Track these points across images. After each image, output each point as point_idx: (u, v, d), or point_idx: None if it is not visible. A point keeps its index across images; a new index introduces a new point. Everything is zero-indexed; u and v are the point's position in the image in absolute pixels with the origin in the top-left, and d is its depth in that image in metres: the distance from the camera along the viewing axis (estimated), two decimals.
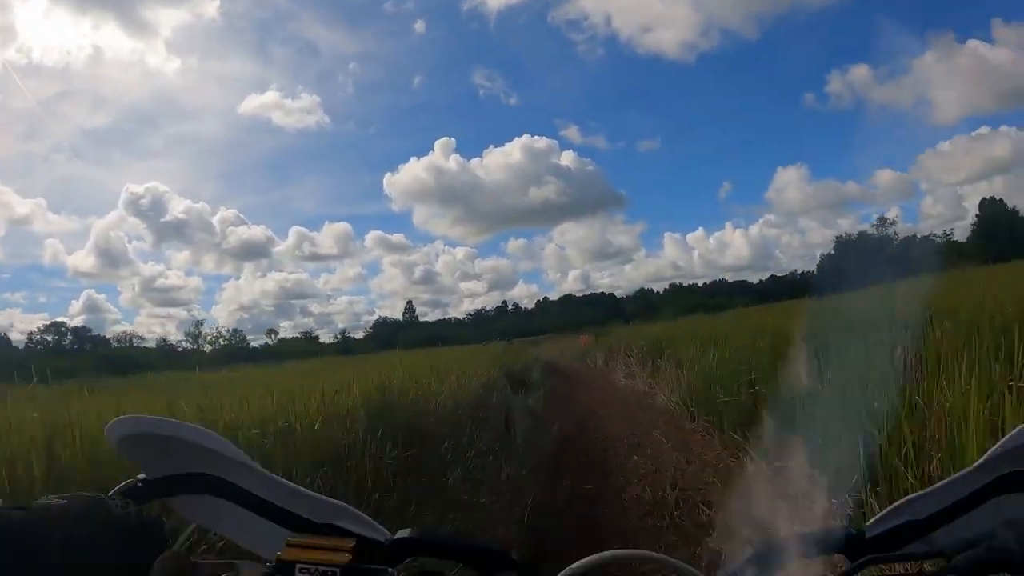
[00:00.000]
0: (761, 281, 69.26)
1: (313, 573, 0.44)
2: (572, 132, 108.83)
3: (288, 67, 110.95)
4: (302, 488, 0.51)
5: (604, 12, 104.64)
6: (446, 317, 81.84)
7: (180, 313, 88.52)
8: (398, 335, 60.47)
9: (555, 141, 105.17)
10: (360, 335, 71.39)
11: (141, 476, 0.51)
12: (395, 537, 0.50)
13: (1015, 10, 76.20)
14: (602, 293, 74.08)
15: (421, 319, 75.93)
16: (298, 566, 0.44)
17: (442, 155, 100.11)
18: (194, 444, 0.50)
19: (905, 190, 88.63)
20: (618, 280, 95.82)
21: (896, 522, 0.51)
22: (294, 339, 62.94)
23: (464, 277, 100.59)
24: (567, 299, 70.62)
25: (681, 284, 74.12)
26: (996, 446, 0.51)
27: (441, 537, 0.52)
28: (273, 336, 66.24)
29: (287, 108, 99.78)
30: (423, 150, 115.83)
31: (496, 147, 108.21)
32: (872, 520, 0.51)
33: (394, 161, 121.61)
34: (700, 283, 74.12)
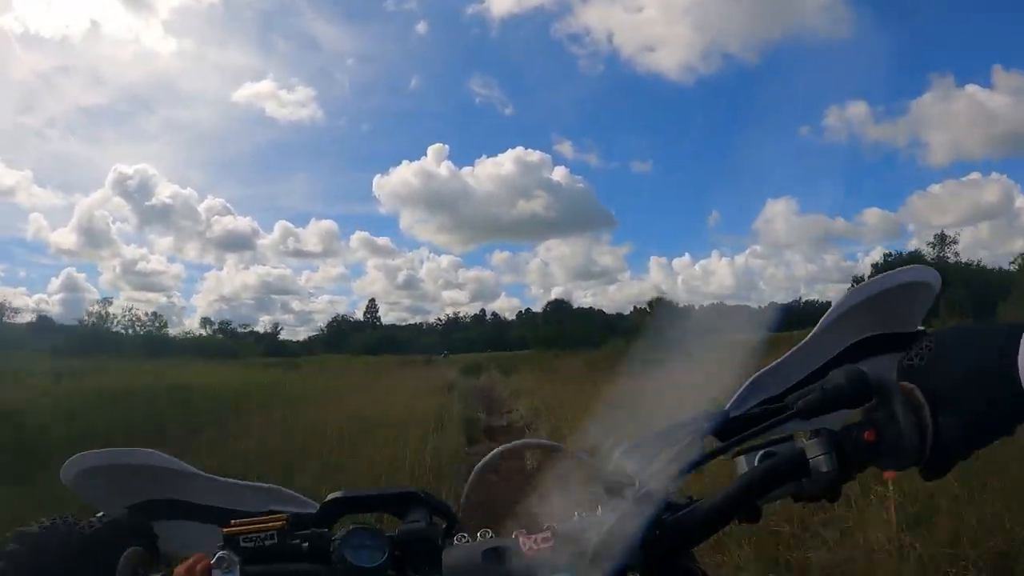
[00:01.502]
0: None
1: (256, 540, 0.51)
2: (566, 147, 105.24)
3: (286, 58, 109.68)
4: (239, 481, 0.61)
5: (607, 29, 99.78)
6: (414, 322, 78.09)
7: (159, 299, 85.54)
8: (348, 337, 57.32)
9: (548, 155, 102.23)
10: (307, 334, 68.21)
11: (99, 514, 0.57)
12: (324, 501, 0.58)
13: (1017, 57, 76.63)
14: (589, 308, 69.26)
15: (384, 321, 72.15)
16: (241, 538, 0.51)
17: (434, 161, 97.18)
18: (145, 467, 0.58)
19: (892, 230, 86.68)
20: (601, 300, 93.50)
21: (755, 400, 0.58)
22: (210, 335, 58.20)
23: (447, 285, 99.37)
24: (558, 307, 66.29)
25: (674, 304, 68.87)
26: (831, 310, 0.57)
27: (361, 492, 0.60)
28: (208, 327, 61.50)
29: (282, 99, 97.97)
30: (415, 154, 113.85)
31: (488, 157, 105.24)
32: (732, 400, 0.58)
33: (385, 163, 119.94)
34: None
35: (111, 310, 47.50)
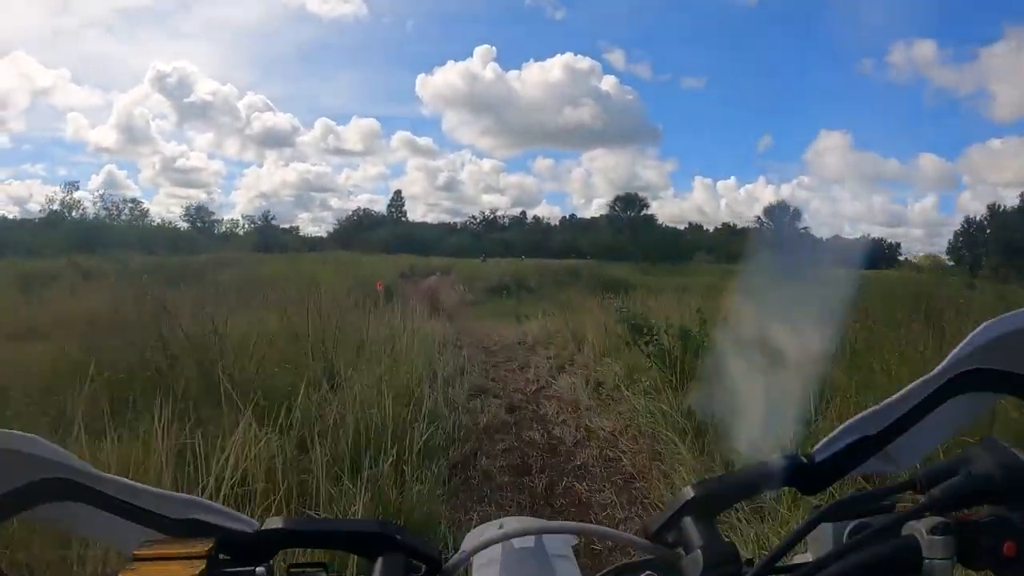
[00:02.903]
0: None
1: None
2: (617, 57, 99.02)
3: None
4: (152, 488, 0.49)
5: None
6: (447, 220, 70.58)
7: (199, 195, 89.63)
8: (363, 235, 49.60)
9: (598, 63, 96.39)
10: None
11: None
12: (262, 528, 0.46)
13: None
14: (651, 216, 61.94)
15: (415, 219, 64.48)
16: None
17: (480, 63, 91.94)
18: (35, 455, 0.47)
19: (946, 179, 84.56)
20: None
21: (846, 441, 0.49)
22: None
23: (488, 189, 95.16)
24: (629, 202, 60.28)
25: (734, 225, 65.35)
26: (959, 346, 0.48)
27: (315, 524, 0.50)
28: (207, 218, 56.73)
29: None
30: (461, 55, 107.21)
31: (536, 61, 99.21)
32: (820, 443, 0.49)
33: (429, 63, 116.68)
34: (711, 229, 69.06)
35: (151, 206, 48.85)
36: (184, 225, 50.70)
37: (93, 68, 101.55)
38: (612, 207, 61.09)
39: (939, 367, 0.48)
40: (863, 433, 0.48)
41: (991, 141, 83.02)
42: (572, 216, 71.90)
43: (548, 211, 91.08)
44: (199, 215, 54.02)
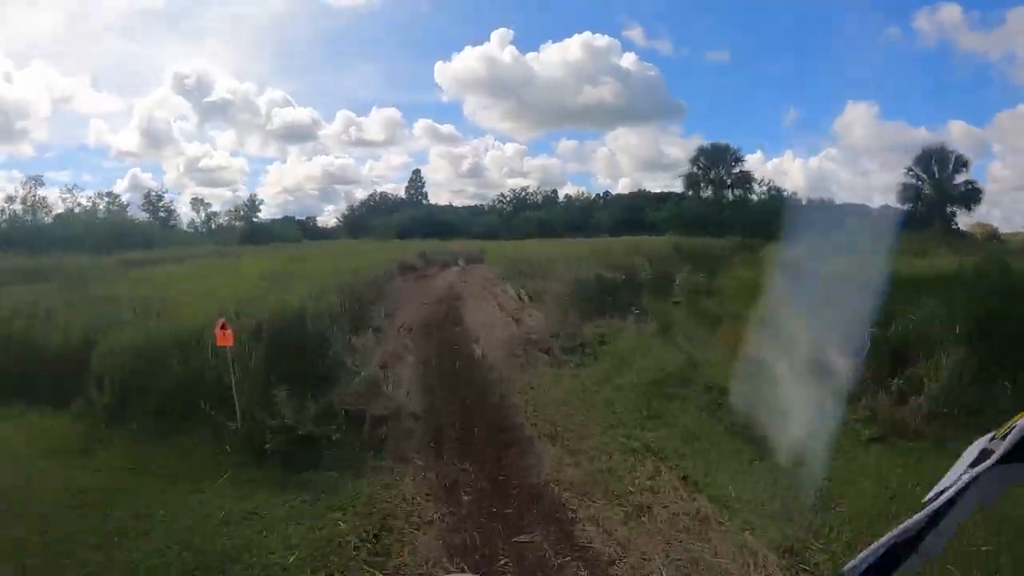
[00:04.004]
0: None
1: None
2: (636, 33, 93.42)
3: None
4: None
5: None
6: (472, 204, 64.75)
7: (224, 193, 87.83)
8: (377, 220, 42.66)
9: (617, 41, 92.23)
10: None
11: None
12: None
13: None
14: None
15: (427, 200, 57.77)
16: None
17: (498, 46, 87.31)
18: None
19: (976, 146, 76.75)
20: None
21: (877, 555, 0.54)
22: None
23: (512, 173, 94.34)
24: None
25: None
26: (1005, 443, 0.59)
27: None
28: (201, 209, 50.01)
29: None
30: (478, 39, 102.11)
31: (554, 42, 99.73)
32: (850, 564, 0.56)
33: (447, 48, 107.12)
34: None
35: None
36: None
37: (112, 73, 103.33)
38: (695, 163, 48.20)
39: (987, 463, 0.59)
40: (894, 541, 0.55)
41: (1021, 107, 77.43)
42: (607, 193, 64.00)
43: (573, 191, 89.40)
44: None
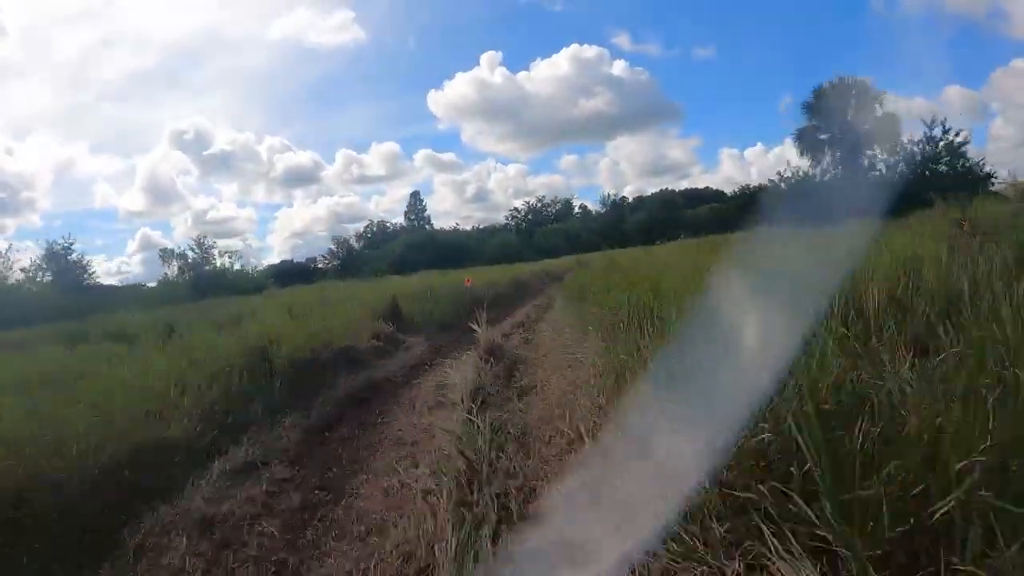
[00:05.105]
0: None
1: None
2: (623, 40, 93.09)
3: None
4: None
5: None
6: (481, 227, 59.27)
7: (236, 244, 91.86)
8: (369, 253, 34.95)
9: (605, 49, 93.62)
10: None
11: None
12: None
13: None
14: (706, 188, 51.59)
15: (430, 224, 51.14)
16: None
17: (488, 69, 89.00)
18: None
19: (975, 108, 71.68)
20: None
21: None
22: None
23: (517, 194, 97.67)
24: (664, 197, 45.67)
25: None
26: None
27: None
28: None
29: (320, 26, 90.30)
30: (467, 64, 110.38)
31: (543, 59, 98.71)
32: None
33: (438, 77, 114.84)
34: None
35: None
36: None
37: (110, 136, 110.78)
38: (816, 112, 32.06)
39: None
40: None
41: (1015, 62, 75.17)
42: (621, 198, 57.37)
43: (578, 203, 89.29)
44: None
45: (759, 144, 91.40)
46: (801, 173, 29.15)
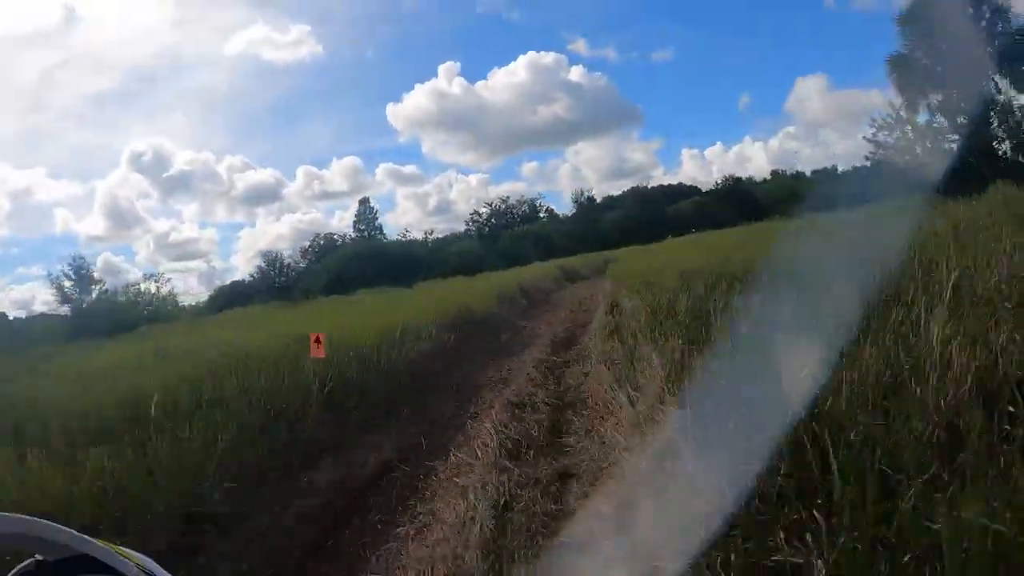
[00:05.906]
0: None
1: None
2: (580, 46, 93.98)
3: None
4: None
5: None
6: (442, 236, 53.80)
7: (200, 265, 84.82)
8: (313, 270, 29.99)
9: (563, 55, 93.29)
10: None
11: (38, 557, 0.61)
12: None
13: None
14: (680, 184, 48.58)
15: (382, 234, 46.71)
16: None
17: (446, 80, 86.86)
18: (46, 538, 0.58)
19: None
20: None
21: None
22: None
23: (480, 204, 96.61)
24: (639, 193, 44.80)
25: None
26: None
27: None
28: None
29: (276, 42, 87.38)
30: (425, 76, 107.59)
31: (500, 67, 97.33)
32: None
33: (396, 90, 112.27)
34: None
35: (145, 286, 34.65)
36: None
37: (67, 160, 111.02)
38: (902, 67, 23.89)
39: None
40: None
41: None
42: (590, 199, 52.77)
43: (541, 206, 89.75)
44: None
45: (719, 144, 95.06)
46: (898, 134, 20.92)
